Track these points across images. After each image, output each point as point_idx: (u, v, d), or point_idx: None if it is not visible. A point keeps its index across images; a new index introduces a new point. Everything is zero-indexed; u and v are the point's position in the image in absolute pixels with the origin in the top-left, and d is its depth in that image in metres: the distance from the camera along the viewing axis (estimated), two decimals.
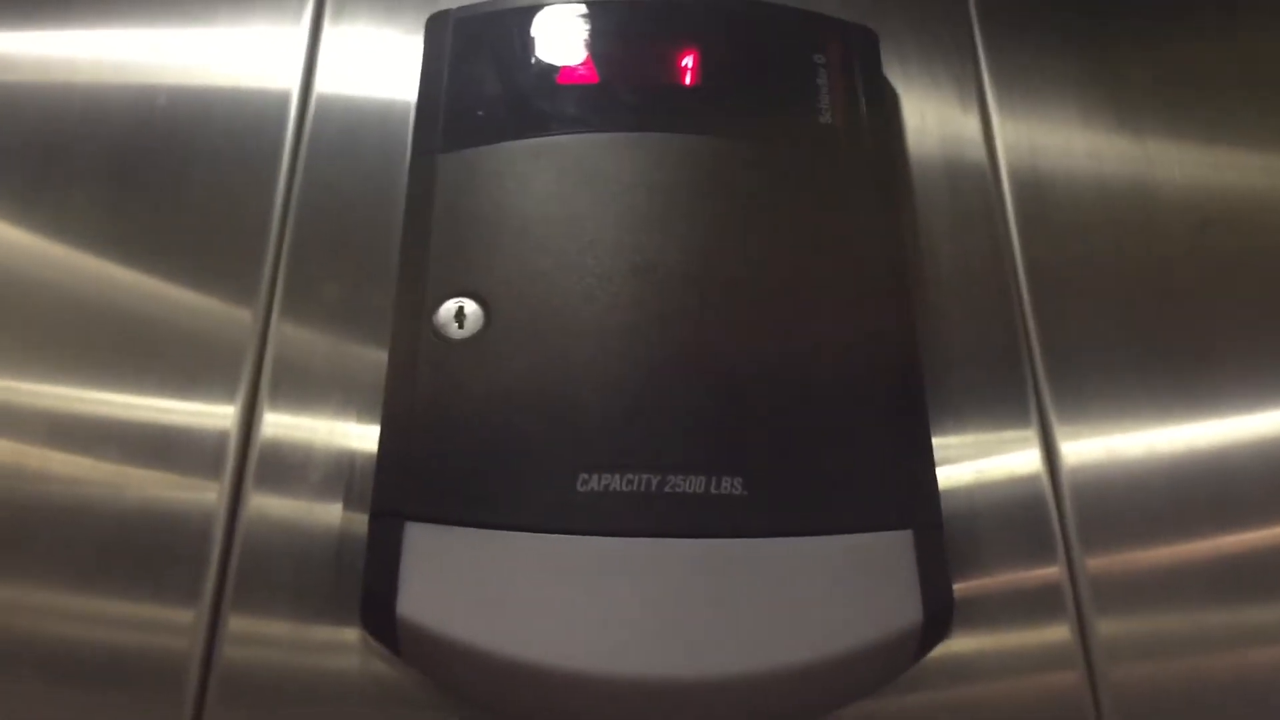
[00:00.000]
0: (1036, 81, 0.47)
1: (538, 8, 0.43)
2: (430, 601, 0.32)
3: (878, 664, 0.34)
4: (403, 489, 0.34)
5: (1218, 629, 0.37)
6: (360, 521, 0.36)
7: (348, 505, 0.37)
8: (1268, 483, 0.39)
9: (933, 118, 0.46)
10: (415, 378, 0.36)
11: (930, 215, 0.44)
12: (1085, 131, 0.46)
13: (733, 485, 0.34)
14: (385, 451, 0.35)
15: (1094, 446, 0.40)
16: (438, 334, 0.36)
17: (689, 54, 0.42)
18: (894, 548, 0.34)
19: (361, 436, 0.38)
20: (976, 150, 0.46)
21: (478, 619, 0.32)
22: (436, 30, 0.43)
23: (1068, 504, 0.39)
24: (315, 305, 0.40)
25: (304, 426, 0.38)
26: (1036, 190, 0.45)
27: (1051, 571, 0.38)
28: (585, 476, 0.34)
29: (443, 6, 0.45)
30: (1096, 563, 0.38)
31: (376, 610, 0.33)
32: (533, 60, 0.42)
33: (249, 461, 0.37)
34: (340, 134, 0.44)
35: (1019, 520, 0.38)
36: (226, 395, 0.38)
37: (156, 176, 0.42)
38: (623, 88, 0.41)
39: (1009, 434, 0.40)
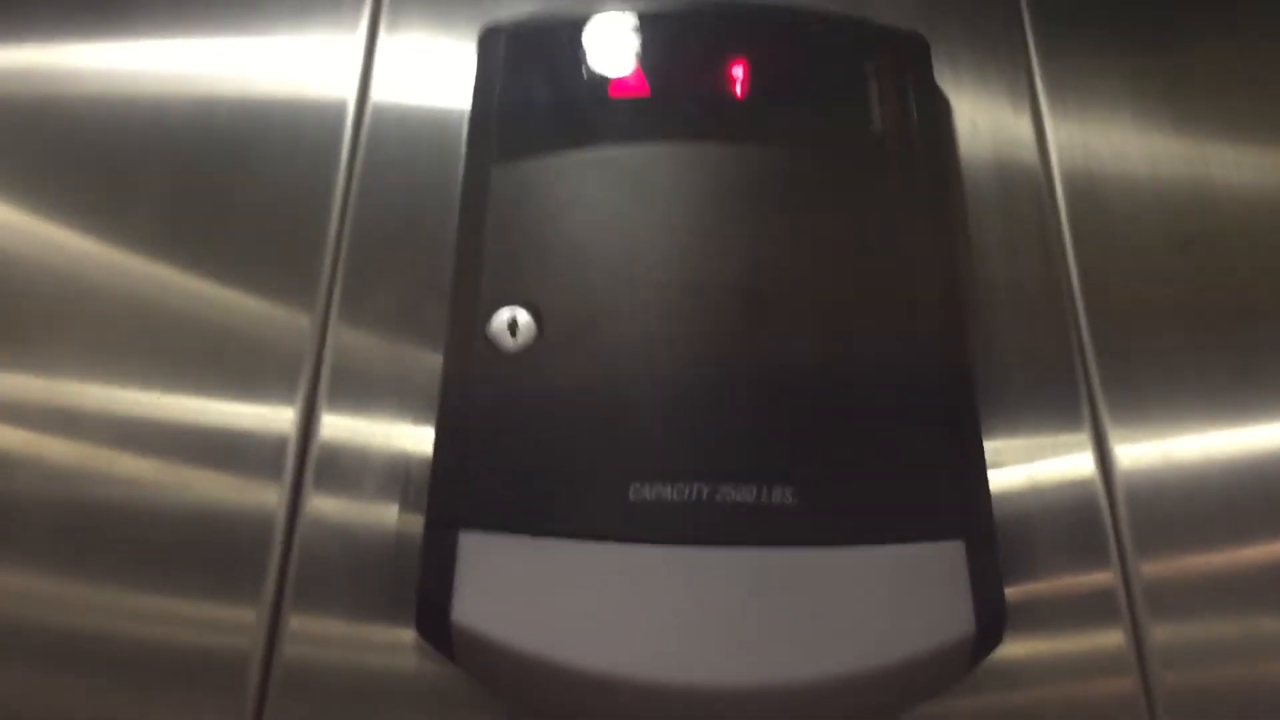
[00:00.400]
0: (1091, 83, 0.47)
1: (589, 20, 0.43)
2: (484, 608, 0.33)
3: (929, 675, 0.34)
4: (457, 498, 0.35)
5: (1272, 635, 0.37)
6: (415, 523, 0.36)
7: (404, 507, 0.37)
8: None
9: (985, 123, 0.46)
10: (469, 388, 0.36)
11: (983, 221, 0.44)
12: (1140, 134, 0.46)
13: (784, 495, 0.34)
14: (440, 461, 0.36)
15: (1148, 450, 0.39)
16: (491, 344, 0.37)
17: (739, 64, 0.42)
18: (946, 558, 0.34)
19: (417, 439, 0.38)
20: (1029, 154, 0.45)
21: (531, 626, 0.33)
22: (490, 42, 0.43)
23: (1121, 508, 0.38)
24: (371, 311, 0.41)
25: (361, 429, 0.39)
26: (1090, 194, 0.44)
27: (1105, 576, 0.37)
28: (637, 485, 0.34)
29: (496, 16, 0.45)
30: (1150, 568, 0.37)
31: (432, 617, 0.33)
32: (584, 72, 0.42)
33: (308, 464, 0.38)
34: (396, 142, 0.44)
35: (1072, 524, 0.38)
36: (285, 398, 0.39)
37: (217, 184, 0.43)
38: (674, 99, 0.41)
39: (1062, 437, 0.40)
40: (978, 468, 0.36)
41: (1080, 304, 0.42)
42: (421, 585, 0.34)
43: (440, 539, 0.34)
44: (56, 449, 0.38)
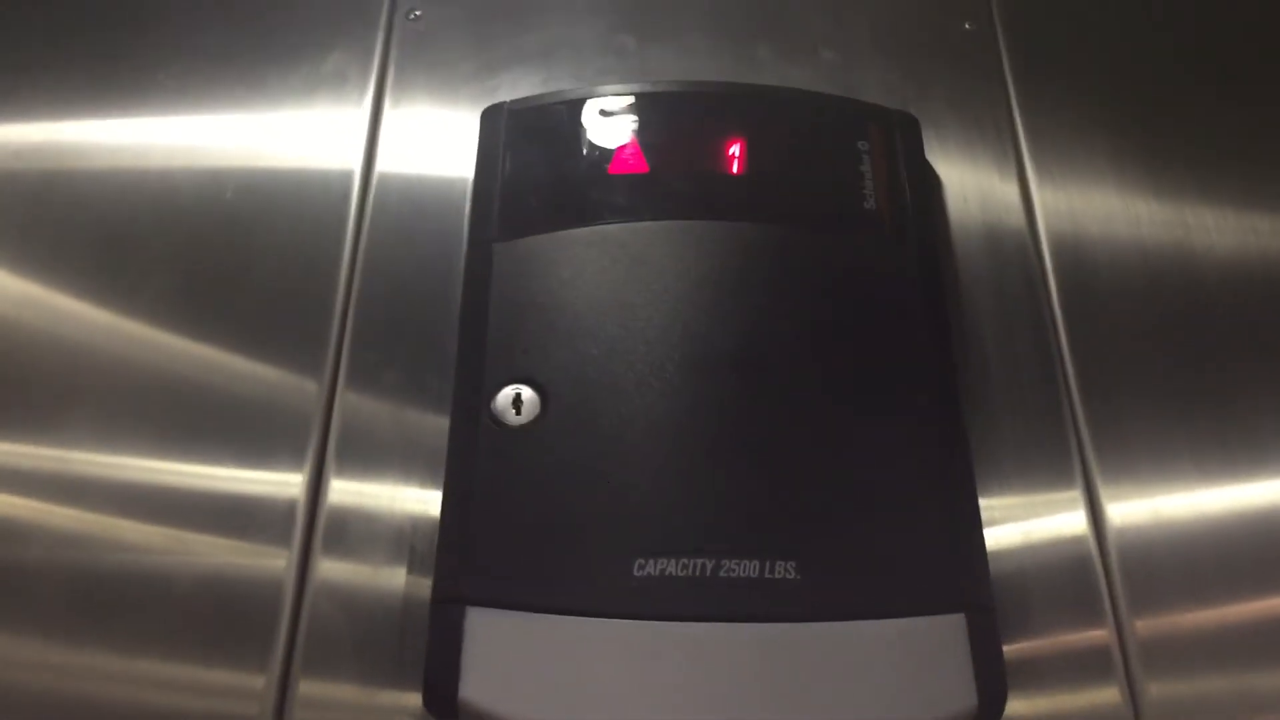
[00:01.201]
0: (1074, 153, 0.48)
1: (588, 99, 0.44)
2: (492, 685, 0.33)
3: None
4: (463, 574, 0.35)
5: (1266, 691, 0.37)
6: (423, 587, 0.37)
7: (410, 570, 0.38)
8: None
9: (974, 196, 0.47)
10: (474, 464, 0.37)
11: (974, 288, 0.45)
12: (1124, 202, 0.47)
13: (786, 569, 0.35)
14: (445, 537, 0.36)
15: (1140, 508, 0.40)
16: (496, 420, 0.37)
17: (736, 143, 0.43)
18: (947, 631, 0.35)
19: (423, 502, 0.39)
20: (1017, 221, 0.46)
21: (538, 702, 0.33)
22: (491, 121, 0.44)
23: (1114, 566, 0.39)
24: (378, 379, 0.41)
25: (369, 494, 0.39)
26: (1077, 258, 0.45)
27: (1100, 634, 0.38)
28: (642, 561, 0.35)
29: (496, 94, 0.47)
30: (1144, 625, 0.38)
31: (440, 694, 0.34)
32: (584, 151, 0.43)
33: (316, 529, 0.38)
34: (400, 212, 0.45)
35: (1066, 583, 0.39)
36: (295, 464, 0.40)
37: (225, 255, 0.44)
38: (672, 177, 0.42)
39: (1055, 495, 0.40)
40: (976, 540, 0.37)
41: (1070, 366, 0.43)
42: (429, 662, 0.34)
43: (447, 616, 0.35)
44: (65, 518, 0.38)
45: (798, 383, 0.38)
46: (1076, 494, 0.40)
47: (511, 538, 0.36)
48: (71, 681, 0.36)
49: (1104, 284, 0.45)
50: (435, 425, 0.40)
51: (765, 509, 0.36)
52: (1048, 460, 0.41)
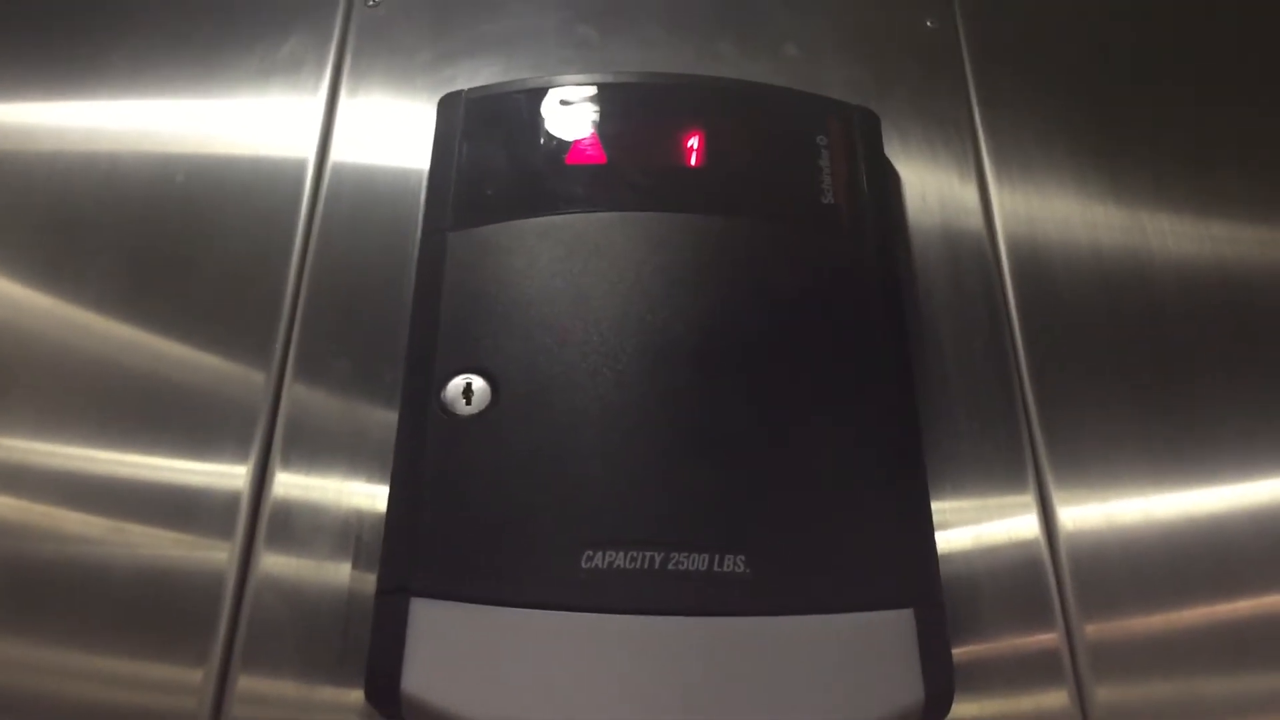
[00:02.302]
0: (1034, 156, 0.48)
1: (547, 89, 0.44)
2: (435, 678, 0.33)
3: None
4: (409, 565, 0.35)
5: (1214, 696, 0.38)
6: (367, 582, 0.36)
7: (355, 565, 0.37)
8: (1265, 551, 0.40)
9: (933, 194, 0.47)
10: (423, 454, 0.36)
11: (930, 288, 0.45)
12: (1083, 205, 0.47)
13: (735, 563, 0.34)
14: (392, 528, 0.36)
15: (1092, 513, 0.40)
16: (446, 410, 0.37)
17: (694, 135, 0.42)
18: (896, 626, 0.35)
19: (370, 496, 0.38)
20: (976, 224, 0.46)
21: (482, 695, 0.33)
22: (448, 110, 0.44)
23: (1066, 570, 0.39)
24: (327, 370, 0.41)
25: (315, 486, 0.39)
26: (1034, 263, 0.45)
27: (1050, 637, 0.38)
28: (590, 553, 0.34)
29: (454, 83, 0.46)
30: (1094, 629, 0.38)
31: (382, 685, 0.33)
32: (542, 140, 0.42)
33: (260, 521, 0.38)
34: (354, 203, 0.45)
35: (1017, 586, 0.39)
36: (239, 456, 0.39)
37: (173, 242, 0.43)
38: (630, 168, 0.42)
39: (1007, 499, 0.40)
40: (926, 536, 0.37)
41: (1025, 368, 0.43)
42: (371, 654, 0.34)
43: (391, 606, 0.34)
44: (2, 506, 0.38)
45: (751, 377, 0.38)
46: (1029, 498, 0.40)
47: (459, 528, 0.35)
48: (4, 673, 0.35)
49: (1061, 287, 0.45)
50: (385, 418, 0.39)
51: (715, 502, 0.36)
52: (1001, 463, 0.41)
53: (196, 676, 0.35)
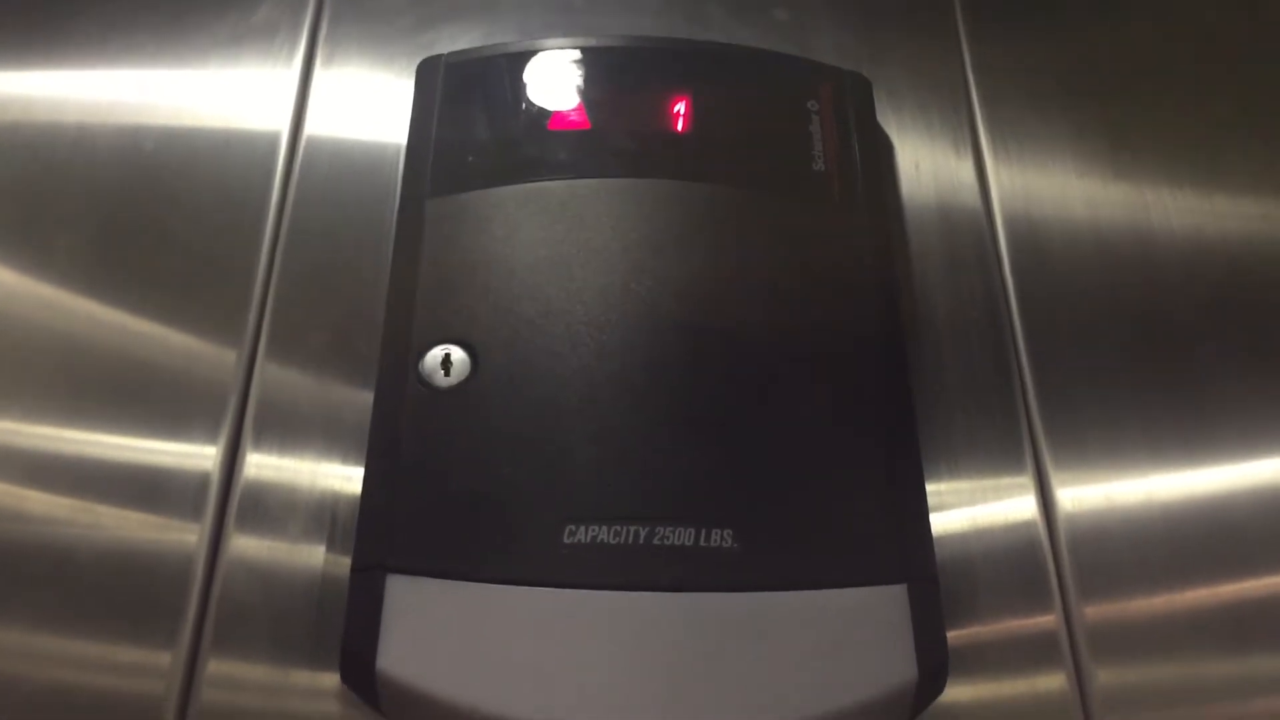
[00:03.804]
0: (1032, 127, 0.47)
1: (529, 53, 0.43)
2: (411, 657, 0.32)
3: None
4: (385, 541, 0.34)
5: (1215, 679, 0.37)
6: (342, 565, 0.35)
7: (330, 549, 0.36)
8: (1266, 531, 0.39)
9: (927, 164, 0.46)
10: (400, 426, 0.35)
11: (924, 261, 0.44)
12: (1081, 178, 0.46)
13: (723, 537, 0.33)
14: (367, 502, 0.35)
15: (1091, 493, 0.39)
16: (423, 381, 0.36)
17: (681, 100, 0.42)
18: (888, 602, 0.34)
19: (345, 479, 0.37)
20: (971, 196, 0.46)
21: (459, 675, 0.32)
22: (427, 74, 0.43)
23: (1064, 551, 0.38)
24: (301, 347, 0.40)
25: (288, 468, 0.38)
26: (1031, 237, 0.44)
27: (1048, 619, 0.37)
28: (572, 528, 0.33)
29: (434, 49, 0.45)
30: (1093, 611, 0.37)
31: (356, 665, 0.32)
32: (524, 105, 0.42)
33: (230, 503, 0.37)
34: (329, 177, 0.43)
35: (1014, 567, 0.38)
36: (209, 436, 0.38)
37: (143, 215, 0.42)
38: (614, 133, 0.41)
39: (1005, 480, 0.40)
40: (920, 511, 0.36)
41: (1022, 346, 0.42)
42: (346, 632, 0.33)
43: (366, 583, 0.33)
44: None
45: (739, 348, 0.37)
46: (1027, 478, 0.39)
47: (436, 503, 0.34)
48: None
49: (1059, 263, 0.44)
50: (362, 398, 0.38)
51: (702, 476, 0.35)
52: (998, 443, 0.40)
53: (165, 659, 0.34)
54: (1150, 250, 0.44)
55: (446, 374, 0.36)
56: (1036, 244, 0.44)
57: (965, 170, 0.46)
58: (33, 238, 0.41)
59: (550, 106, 0.42)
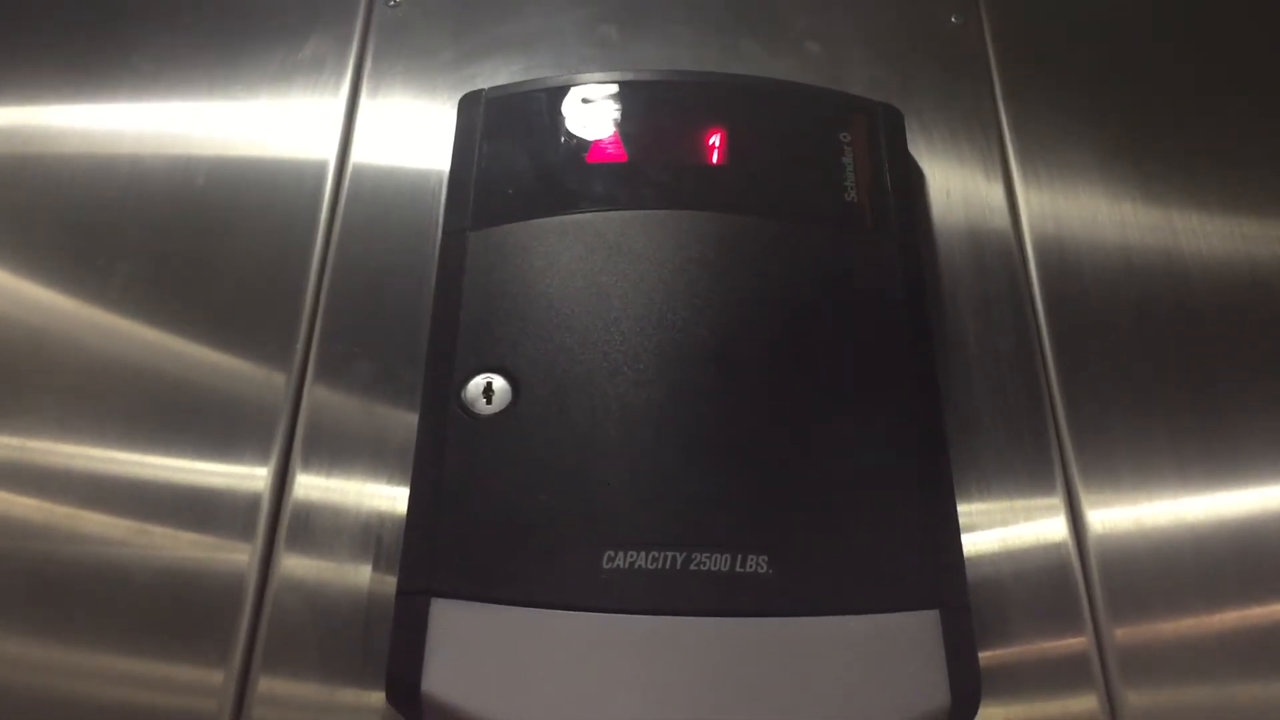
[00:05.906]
0: (1061, 153, 0.47)
1: (567, 88, 0.43)
2: (455, 678, 0.33)
3: None
4: (429, 566, 0.35)
5: (1245, 701, 0.37)
6: (388, 584, 0.36)
7: (376, 568, 0.37)
8: None
9: (958, 191, 0.47)
10: (443, 454, 0.36)
11: (956, 288, 0.44)
12: (1111, 203, 0.46)
13: (758, 563, 0.34)
14: (412, 528, 0.36)
15: (1121, 515, 0.40)
16: (466, 410, 0.37)
17: (716, 133, 0.42)
18: (921, 628, 0.34)
19: (391, 499, 0.38)
20: (1002, 222, 0.46)
21: (502, 696, 0.32)
22: (469, 109, 0.44)
23: (1094, 573, 0.38)
24: (348, 371, 0.41)
25: (335, 489, 0.39)
26: (1061, 261, 0.45)
27: (1079, 641, 0.37)
28: (611, 554, 0.34)
29: (475, 83, 0.46)
30: (1124, 633, 0.37)
31: (402, 687, 0.33)
32: (562, 139, 0.42)
33: (280, 523, 0.38)
34: (375, 205, 0.45)
35: (1045, 589, 0.38)
36: (259, 458, 0.39)
37: (195, 244, 0.43)
38: (651, 166, 0.41)
39: (1035, 502, 0.40)
40: (952, 537, 0.36)
41: (1053, 369, 0.42)
42: (392, 654, 0.34)
43: (411, 607, 0.34)
44: (25, 507, 0.38)
45: (774, 376, 0.38)
46: (1057, 500, 0.40)
47: (479, 529, 0.35)
48: (28, 674, 0.35)
49: (1088, 286, 0.44)
50: (406, 420, 0.39)
51: (738, 502, 0.35)
52: (1029, 465, 0.40)
53: (217, 678, 0.35)
54: (1179, 273, 0.45)
55: (488, 402, 0.37)
56: (1067, 269, 0.44)
57: (996, 195, 0.46)
58: (91, 266, 0.43)
59: (588, 139, 0.42)
